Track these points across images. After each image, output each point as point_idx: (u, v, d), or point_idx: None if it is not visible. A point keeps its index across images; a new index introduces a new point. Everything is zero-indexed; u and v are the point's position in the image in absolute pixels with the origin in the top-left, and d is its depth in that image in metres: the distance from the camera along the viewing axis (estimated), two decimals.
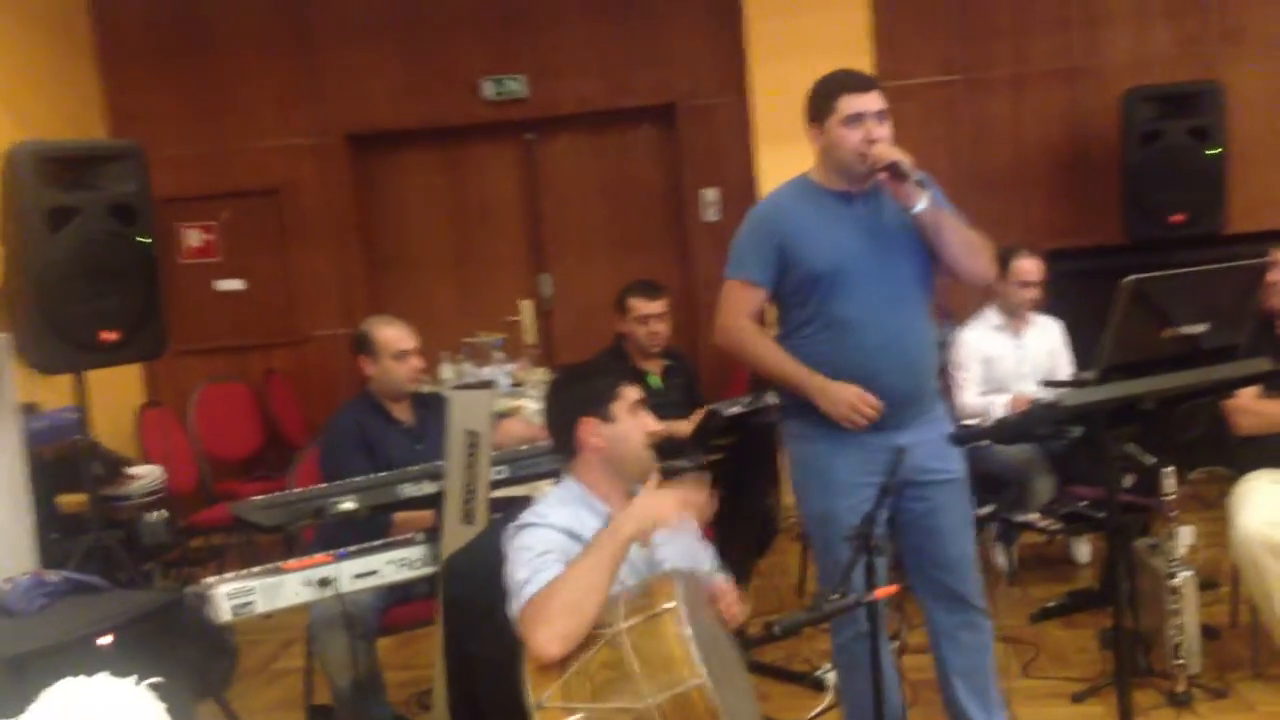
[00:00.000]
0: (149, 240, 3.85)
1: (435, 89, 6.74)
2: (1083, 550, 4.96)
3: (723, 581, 2.48)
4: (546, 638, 1.94)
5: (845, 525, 2.86)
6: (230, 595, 2.81)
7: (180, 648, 3.40)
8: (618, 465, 2.32)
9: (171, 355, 6.82)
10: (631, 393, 2.35)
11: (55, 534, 4.36)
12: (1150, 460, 3.17)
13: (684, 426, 4.16)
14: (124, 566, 3.84)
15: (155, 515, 4.60)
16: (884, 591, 2.18)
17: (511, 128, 6.87)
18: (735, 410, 4.03)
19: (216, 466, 6.22)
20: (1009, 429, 2.51)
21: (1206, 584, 4.37)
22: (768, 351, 2.97)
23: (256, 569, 2.96)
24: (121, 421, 5.65)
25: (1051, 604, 4.44)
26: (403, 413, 3.78)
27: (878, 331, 2.90)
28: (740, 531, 4.24)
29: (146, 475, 4.81)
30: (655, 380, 4.42)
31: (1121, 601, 2.58)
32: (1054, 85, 6.44)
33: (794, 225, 2.92)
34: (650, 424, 2.35)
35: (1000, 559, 4.91)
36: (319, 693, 3.70)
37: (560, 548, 2.14)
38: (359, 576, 2.98)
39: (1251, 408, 3.69)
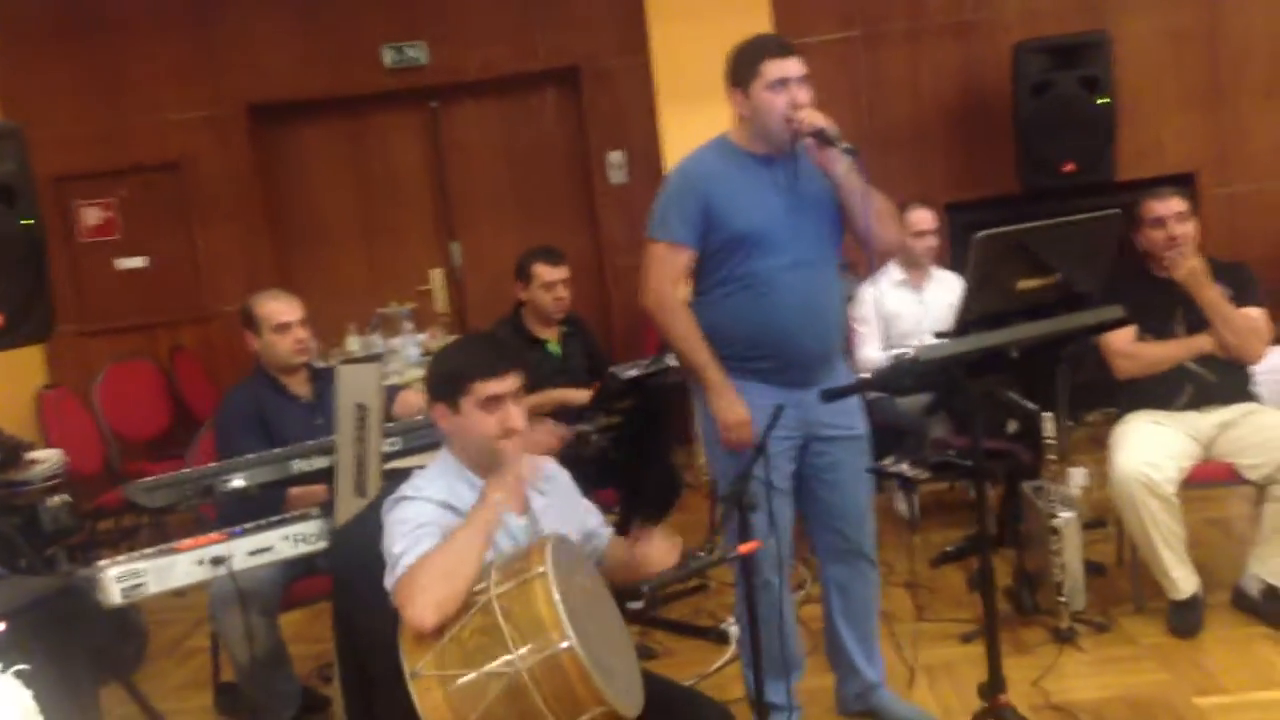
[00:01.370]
0: (32, 221, 3.77)
1: (336, 58, 6.67)
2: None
3: (618, 541, 2.52)
4: (421, 607, 1.97)
5: (752, 475, 2.98)
6: (120, 578, 2.80)
7: (82, 631, 3.37)
8: (471, 453, 2.33)
9: (74, 336, 6.77)
10: (486, 388, 2.29)
11: None
12: (1030, 407, 3.31)
13: (579, 395, 4.21)
14: (23, 553, 3.79)
15: (56, 499, 4.54)
16: (747, 547, 2.25)
17: (414, 95, 6.83)
18: (633, 373, 4.08)
19: (125, 447, 6.15)
20: (873, 383, 2.59)
21: (1096, 523, 4.55)
22: (689, 333, 3.01)
23: (149, 550, 2.95)
24: (22, 405, 5.55)
25: (949, 549, 4.58)
26: (299, 387, 3.77)
27: (794, 292, 2.96)
28: (646, 491, 4.31)
29: (46, 459, 4.72)
30: (554, 347, 4.45)
31: (986, 546, 2.66)
32: (949, 39, 6.54)
33: (719, 187, 2.96)
34: (510, 419, 2.29)
35: (902, 507, 5.05)
36: (227, 670, 3.71)
37: (436, 520, 2.17)
38: (253, 554, 2.98)
39: (1128, 350, 3.83)
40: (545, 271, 4.39)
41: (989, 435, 4.35)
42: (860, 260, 5.36)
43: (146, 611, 4.59)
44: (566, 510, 2.45)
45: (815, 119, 2.87)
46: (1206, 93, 6.44)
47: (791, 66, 2.92)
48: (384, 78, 6.70)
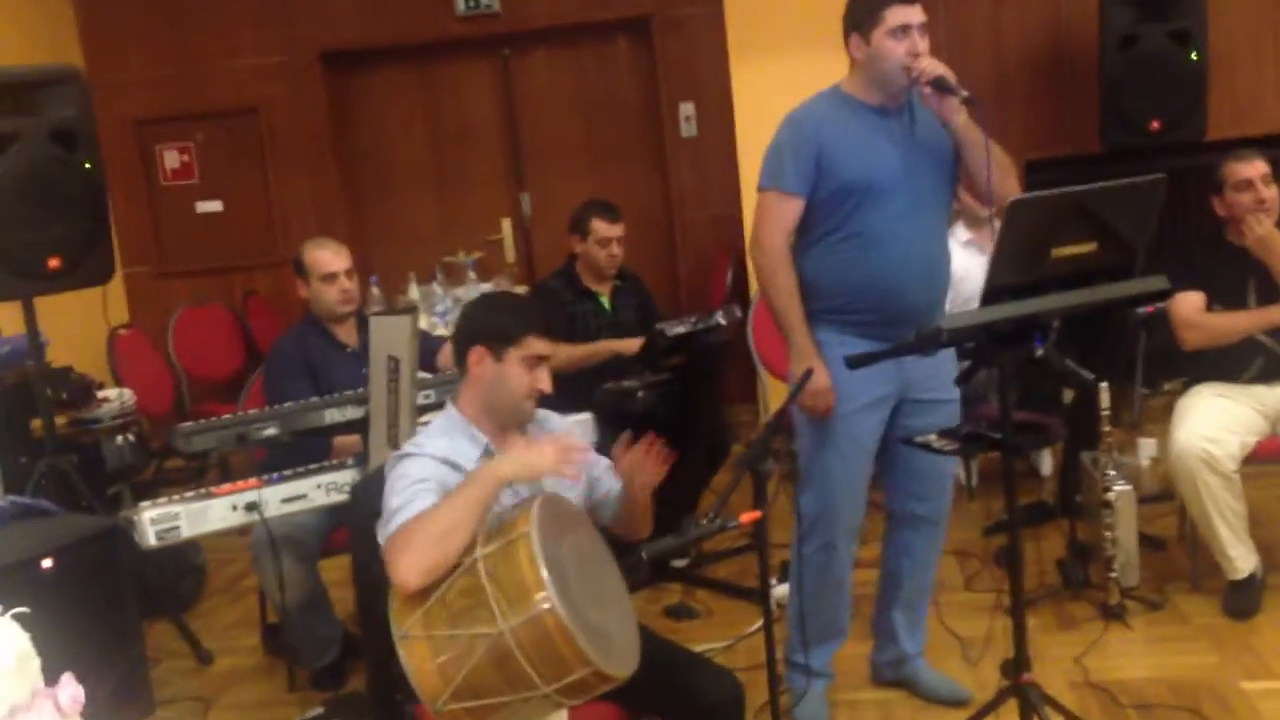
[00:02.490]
0: (92, 166, 3.84)
1: (409, 5, 6.68)
2: (1046, 463, 4.99)
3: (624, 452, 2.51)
4: (406, 568, 1.98)
5: (851, 438, 2.96)
6: (155, 520, 2.87)
7: (129, 570, 3.46)
8: (494, 404, 2.32)
9: (153, 277, 6.94)
10: (536, 345, 2.31)
11: (25, 458, 4.45)
12: (1086, 375, 3.19)
13: (629, 344, 4.17)
14: (79, 491, 3.90)
15: (121, 438, 4.67)
16: (749, 516, 2.20)
17: (486, 43, 6.80)
18: (681, 330, 4.04)
19: (197, 389, 6.29)
20: (900, 349, 2.51)
21: (1160, 496, 4.41)
22: (787, 290, 2.95)
23: (188, 494, 3.01)
24: (95, 344, 5.69)
25: (1004, 518, 4.46)
26: (347, 335, 3.80)
27: (902, 245, 2.90)
28: (692, 449, 4.27)
29: (115, 398, 4.86)
30: (606, 301, 4.42)
31: (1016, 521, 2.58)
32: None
33: (832, 135, 2.90)
34: (542, 383, 2.33)
35: (960, 473, 4.94)
36: (275, 611, 3.79)
37: (437, 477, 2.17)
38: (286, 501, 3.03)
39: (1195, 320, 3.67)
40: (602, 227, 4.35)
41: (1042, 405, 4.28)
42: None
43: (208, 550, 4.71)
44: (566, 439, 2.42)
45: (935, 67, 2.79)
46: None
47: (914, 13, 2.83)
48: (456, 25, 6.69)
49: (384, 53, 6.83)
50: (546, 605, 1.88)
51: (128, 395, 5.08)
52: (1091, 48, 5.92)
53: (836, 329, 2.93)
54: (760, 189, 2.98)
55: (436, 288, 5.75)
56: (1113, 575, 3.61)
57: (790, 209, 2.91)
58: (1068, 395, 4.25)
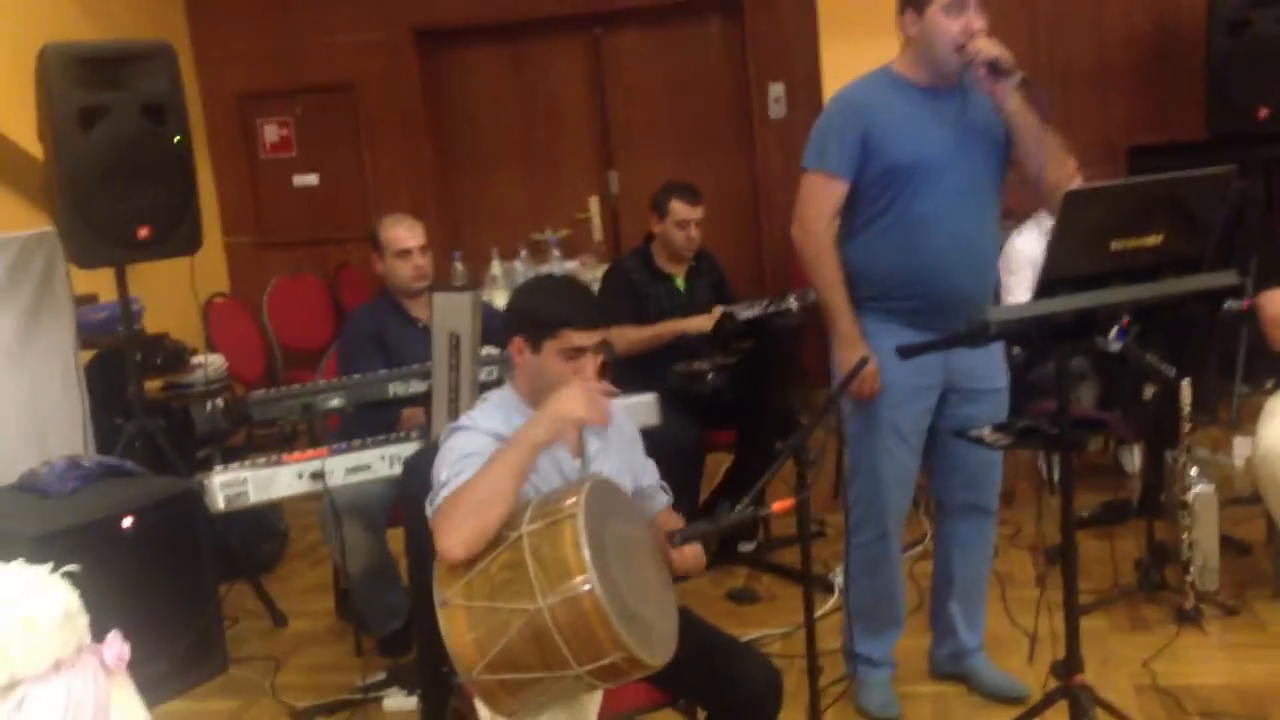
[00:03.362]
0: (181, 139, 3.95)
1: None
2: (1133, 460, 4.85)
3: (668, 514, 2.49)
4: (452, 540, 2.00)
5: (895, 430, 2.94)
6: (224, 485, 2.95)
7: (206, 531, 3.58)
8: (539, 390, 2.31)
9: (253, 247, 7.13)
10: (573, 339, 2.26)
11: (120, 420, 4.61)
12: (1167, 371, 3.10)
13: (697, 322, 4.16)
14: (166, 454, 4.03)
15: (211, 404, 4.81)
16: (780, 505, 2.18)
17: (578, 22, 6.82)
18: (751, 313, 4.02)
19: (290, 357, 6.45)
20: (951, 341, 2.45)
21: (1250, 498, 4.25)
22: (832, 275, 2.91)
23: (260, 460, 3.10)
24: (194, 312, 5.87)
25: (1083, 515, 4.37)
26: (420, 310, 3.85)
27: (951, 230, 2.84)
28: (763, 432, 4.25)
29: (208, 364, 5.00)
30: (681, 283, 4.41)
31: (1071, 520, 2.51)
32: None
33: (880, 116, 2.84)
34: (585, 372, 2.27)
35: (1042, 466, 4.83)
36: None
37: (485, 451, 2.18)
38: (351, 471, 3.09)
39: None
40: (682, 209, 4.34)
41: (1124, 400, 4.17)
42: (1018, 206, 5.12)
43: (293, 516, 4.84)
44: (624, 459, 2.43)
45: (990, 48, 2.71)
46: None
47: None
48: (548, 3, 6.72)
49: (477, 30, 6.89)
50: (586, 587, 1.89)
51: (220, 362, 5.24)
52: (1199, 31, 5.70)
53: (882, 317, 2.88)
54: (804, 169, 2.92)
55: (519, 265, 5.80)
56: (1189, 578, 3.51)
57: (834, 190, 2.86)
58: (1150, 391, 4.11)
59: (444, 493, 2.12)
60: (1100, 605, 3.64)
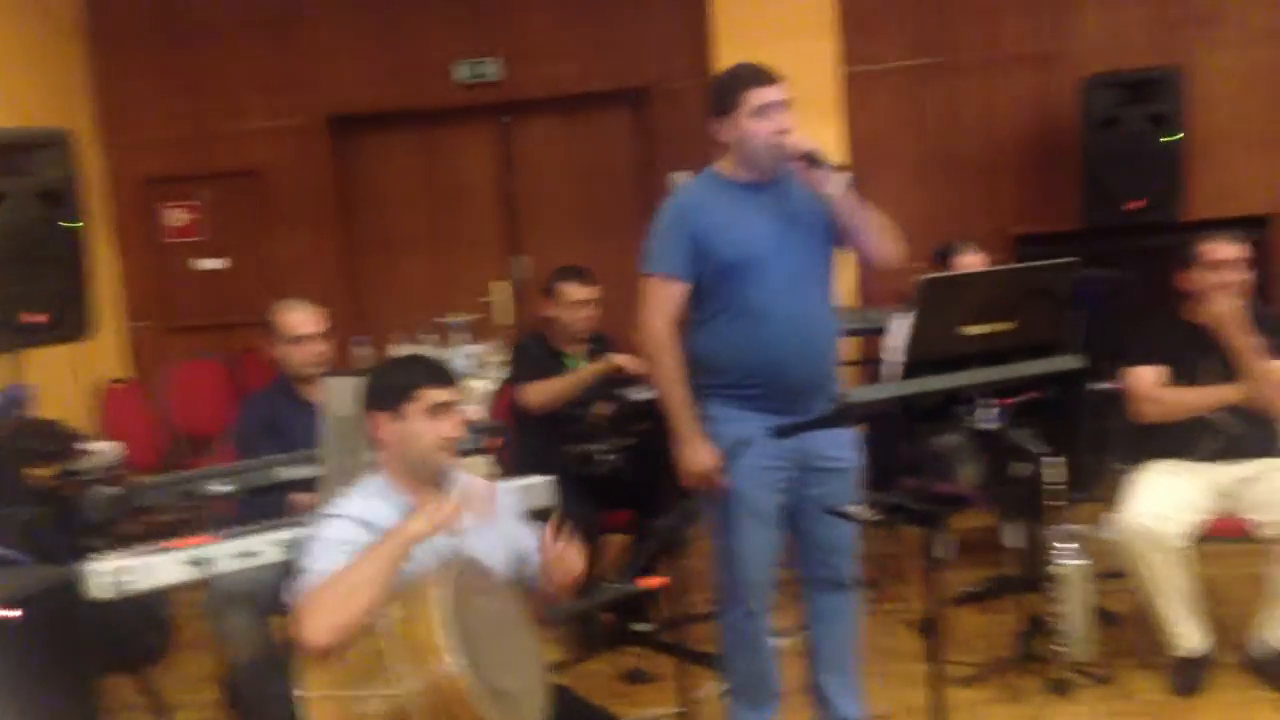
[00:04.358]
0: (78, 225, 3.98)
1: (412, 72, 6.87)
2: (1012, 535, 4.99)
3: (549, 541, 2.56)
4: (314, 629, 2.05)
5: (751, 510, 3.04)
6: (107, 573, 2.94)
7: (89, 622, 3.52)
8: (410, 462, 2.39)
9: (156, 331, 7.09)
10: (433, 395, 2.36)
11: (9, 508, 4.54)
12: (1033, 450, 3.26)
13: (620, 359, 4.26)
14: (48, 542, 3.98)
15: (100, 490, 4.74)
16: (649, 582, 2.26)
17: (486, 110, 6.98)
18: (647, 395, 4.10)
19: (191, 444, 6.39)
20: (820, 422, 2.58)
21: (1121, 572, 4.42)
22: (673, 374, 3.06)
23: (144, 547, 3.09)
24: (92, 397, 5.83)
25: (969, 590, 4.51)
26: (317, 395, 3.88)
27: (787, 320, 2.99)
28: (661, 516, 4.31)
29: (101, 451, 4.94)
30: (577, 362, 4.49)
31: (937, 592, 2.62)
32: (1023, 70, 6.41)
33: (706, 217, 3.01)
34: (449, 429, 2.37)
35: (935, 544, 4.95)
36: None
37: (351, 538, 2.24)
38: (238, 557, 3.09)
39: (1152, 395, 3.73)
40: (571, 290, 4.45)
41: (1003, 478, 4.32)
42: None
43: (184, 604, 4.76)
44: (501, 532, 2.49)
45: (803, 142, 2.89)
46: None
47: (775, 92, 2.95)
48: (458, 92, 6.88)
49: (388, 117, 7.01)
50: (447, 668, 1.94)
51: (115, 448, 5.17)
52: (1075, 128, 6.03)
53: (730, 403, 3.02)
54: (643, 274, 3.08)
55: (424, 349, 5.84)
56: (1061, 649, 3.64)
57: (671, 292, 3.01)
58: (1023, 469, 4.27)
59: (307, 580, 2.16)
60: (979, 677, 3.75)
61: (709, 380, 3.05)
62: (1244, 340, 3.61)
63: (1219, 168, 6.15)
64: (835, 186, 2.91)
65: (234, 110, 6.98)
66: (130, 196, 7.05)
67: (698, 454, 2.99)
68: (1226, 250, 3.73)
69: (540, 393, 4.31)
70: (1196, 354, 3.72)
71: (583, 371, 4.34)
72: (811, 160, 2.87)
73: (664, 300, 3.03)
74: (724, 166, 3.07)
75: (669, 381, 3.03)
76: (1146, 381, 3.75)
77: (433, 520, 2.22)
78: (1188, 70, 5.89)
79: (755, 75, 2.97)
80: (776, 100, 2.93)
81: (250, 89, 6.97)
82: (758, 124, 2.92)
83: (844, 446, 3.11)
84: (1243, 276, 3.71)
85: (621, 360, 4.28)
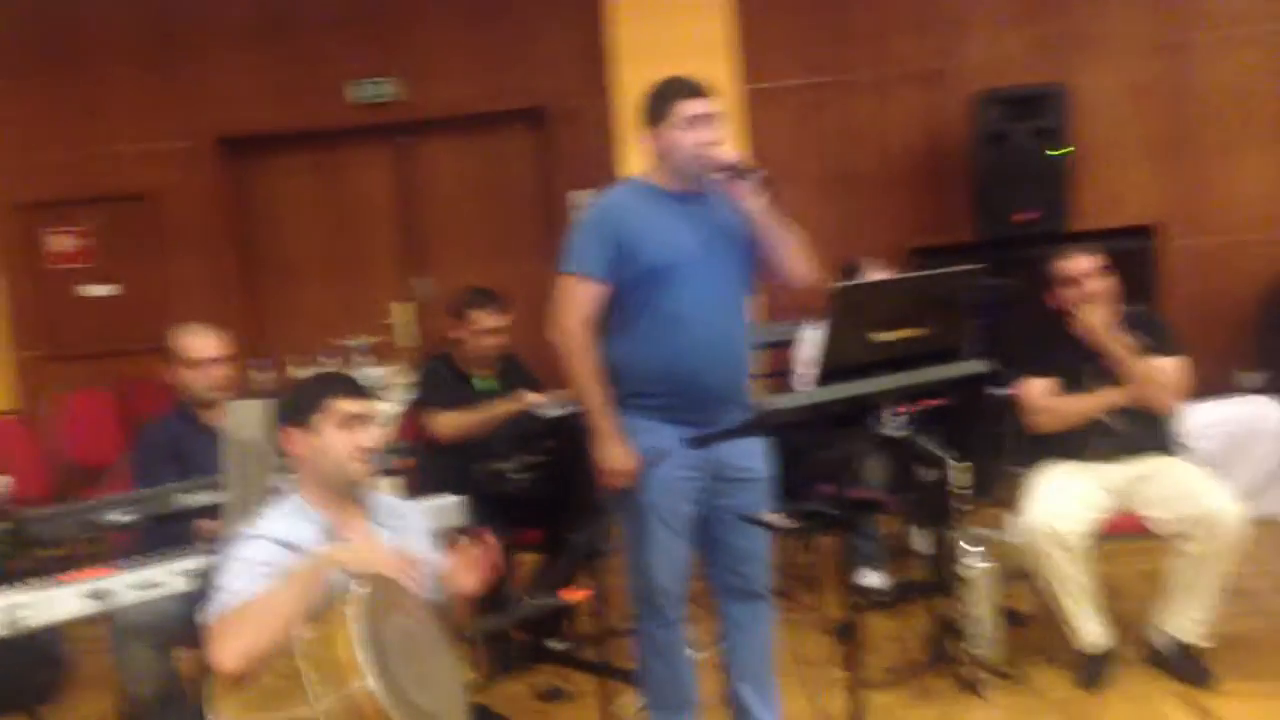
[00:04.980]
0: None
1: (305, 92, 6.76)
2: (922, 540, 5.09)
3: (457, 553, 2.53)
4: (225, 652, 2.00)
5: (662, 520, 3.03)
6: (4, 609, 2.82)
7: None
8: (324, 477, 2.35)
9: (42, 360, 6.85)
10: (344, 406, 2.35)
11: None
12: (938, 454, 3.32)
13: (532, 399, 4.27)
14: None
15: None
16: (570, 594, 2.25)
17: (383, 131, 6.90)
18: (554, 413, 4.09)
19: (82, 475, 6.18)
20: (736, 431, 2.60)
21: (1027, 574, 4.52)
22: (589, 375, 3.04)
23: (37, 581, 2.97)
24: None
25: (881, 594, 4.57)
26: (216, 419, 3.79)
27: (704, 329, 3.00)
28: (570, 534, 4.30)
29: None
30: (486, 384, 4.46)
31: (856, 596, 2.65)
32: (915, 88, 6.56)
33: (631, 221, 3.00)
34: (364, 439, 2.35)
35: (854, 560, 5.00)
36: None
37: (271, 560, 2.19)
38: (138, 588, 3.00)
39: (1042, 405, 3.83)
40: (482, 318, 4.40)
41: (902, 484, 4.41)
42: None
43: (79, 640, 4.60)
44: (413, 550, 2.46)
45: (728, 155, 2.92)
46: (1169, 145, 6.44)
47: (703, 105, 2.97)
48: (353, 113, 6.79)
49: (281, 138, 6.89)
50: (361, 687, 1.90)
51: (3, 481, 4.97)
52: (965, 143, 6.20)
53: (642, 413, 3.02)
54: (561, 274, 3.06)
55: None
56: (971, 650, 3.70)
57: (589, 293, 3.01)
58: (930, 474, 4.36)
59: (223, 602, 2.10)
60: (892, 680, 3.80)
61: (622, 390, 3.05)
62: (1117, 346, 3.73)
63: (1104, 180, 6.38)
64: (758, 199, 2.93)
65: (121, 133, 6.79)
66: (13, 222, 6.81)
67: (617, 454, 2.98)
68: (1074, 266, 3.86)
69: (449, 425, 4.27)
70: (1081, 362, 3.84)
71: (495, 409, 4.29)
72: (736, 171, 2.91)
73: (582, 300, 3.02)
74: (653, 175, 3.08)
75: (586, 382, 3.01)
76: (1037, 393, 3.87)
77: (362, 561, 2.17)
78: (1072, 86, 6.10)
79: (686, 88, 3.00)
80: (705, 113, 2.96)
81: (137, 111, 6.79)
82: (686, 135, 2.95)
83: (756, 457, 3.14)
84: (1103, 285, 3.84)
85: (534, 399, 4.26)
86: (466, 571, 2.45)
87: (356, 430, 2.34)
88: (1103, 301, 3.79)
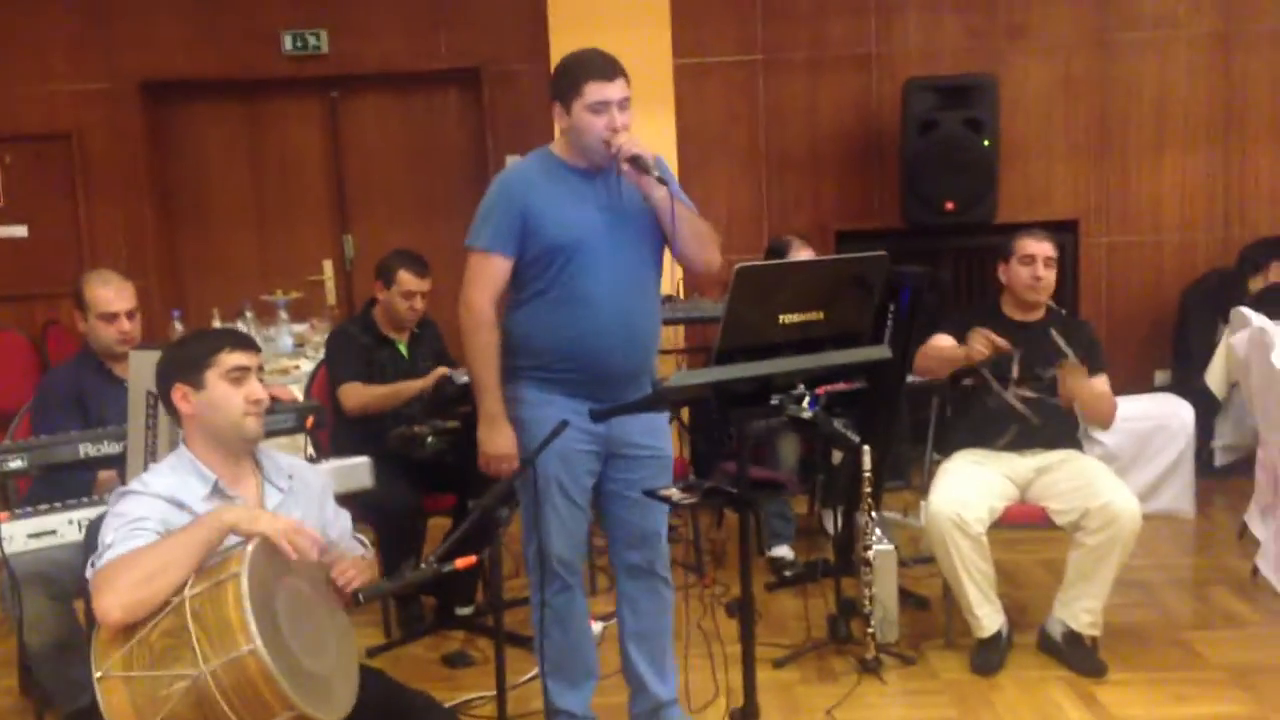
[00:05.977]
0: None
1: (235, 39, 6.63)
2: (834, 521, 5.16)
3: (347, 550, 2.51)
4: (109, 605, 1.97)
5: (561, 489, 3.03)
6: None
7: None
8: (214, 432, 2.32)
9: None
10: (232, 359, 2.31)
11: None
12: (850, 438, 3.35)
13: (415, 384, 4.23)
14: None
15: None
16: (464, 561, 2.26)
17: (314, 84, 6.80)
18: (468, 379, 4.07)
19: None
20: (636, 405, 2.61)
21: (930, 558, 4.61)
22: (487, 354, 3.01)
23: None
24: None
25: (786, 574, 4.63)
26: (125, 370, 3.71)
27: (610, 308, 2.97)
28: (478, 496, 4.29)
29: None
30: (403, 348, 4.43)
31: (749, 572, 2.67)
32: (848, 70, 6.60)
33: (538, 197, 2.95)
34: (253, 391, 2.32)
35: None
36: None
37: (158, 515, 2.16)
38: (34, 536, 2.94)
39: (924, 348, 3.93)
40: (408, 279, 4.36)
41: (808, 466, 4.48)
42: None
43: None
44: (308, 513, 2.44)
45: (631, 146, 2.87)
46: (1093, 142, 6.55)
47: (614, 90, 2.90)
48: (284, 64, 6.67)
49: (207, 86, 6.75)
50: (249, 647, 1.89)
51: None
52: (896, 129, 6.25)
53: (542, 386, 3.01)
54: (467, 247, 3.03)
55: (242, 325, 5.65)
56: (871, 631, 3.77)
57: (495, 268, 2.98)
58: (839, 456, 4.42)
59: (106, 555, 2.07)
60: (793, 658, 3.86)
61: (521, 362, 3.03)
62: (1085, 390, 3.79)
63: (1028, 173, 6.48)
64: (658, 192, 2.91)
65: (40, 71, 6.60)
66: None
67: (498, 437, 2.97)
68: (1038, 247, 3.93)
69: (355, 399, 4.22)
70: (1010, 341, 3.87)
71: (404, 386, 4.26)
72: (637, 164, 2.86)
73: (489, 276, 2.98)
74: (560, 149, 3.04)
75: (482, 359, 2.99)
76: (930, 341, 3.94)
77: (253, 522, 2.13)
78: (1001, 78, 6.17)
79: (598, 68, 2.91)
80: (615, 97, 2.89)
81: (58, 49, 6.61)
82: (592, 119, 2.88)
83: (656, 435, 3.14)
84: (1048, 275, 3.91)
85: (445, 372, 4.23)
86: (345, 575, 2.38)
87: (245, 383, 2.31)
88: (1045, 291, 3.87)
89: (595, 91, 2.89)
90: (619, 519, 3.18)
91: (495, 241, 2.98)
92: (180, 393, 2.32)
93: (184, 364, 2.33)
